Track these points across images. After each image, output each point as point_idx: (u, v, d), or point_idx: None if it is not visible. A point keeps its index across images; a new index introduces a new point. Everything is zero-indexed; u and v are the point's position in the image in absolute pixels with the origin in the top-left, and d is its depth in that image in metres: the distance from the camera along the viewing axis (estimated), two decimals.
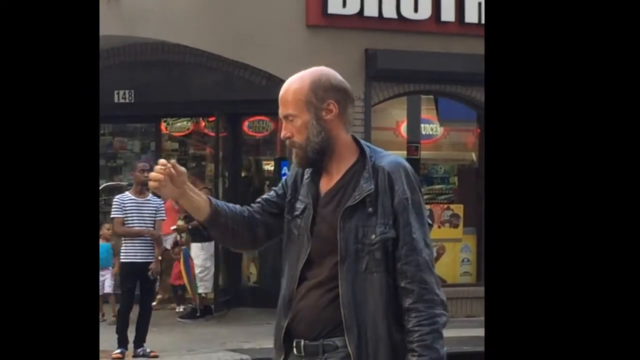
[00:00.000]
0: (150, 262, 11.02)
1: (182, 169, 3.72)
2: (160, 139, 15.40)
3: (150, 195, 11.15)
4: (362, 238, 3.65)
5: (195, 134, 15.70)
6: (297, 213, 3.82)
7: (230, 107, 14.20)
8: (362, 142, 3.83)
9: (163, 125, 15.40)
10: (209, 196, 3.88)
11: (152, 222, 11.15)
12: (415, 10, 13.63)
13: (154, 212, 11.16)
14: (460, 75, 13.42)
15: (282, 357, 3.81)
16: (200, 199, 3.79)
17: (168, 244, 13.73)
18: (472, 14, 13.51)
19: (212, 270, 13.89)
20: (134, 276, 11.00)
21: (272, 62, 13.05)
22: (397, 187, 3.66)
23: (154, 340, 11.94)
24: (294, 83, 3.75)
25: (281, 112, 3.77)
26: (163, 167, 3.66)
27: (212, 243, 13.62)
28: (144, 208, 11.12)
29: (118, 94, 14.72)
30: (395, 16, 13.57)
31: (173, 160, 3.71)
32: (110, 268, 13.31)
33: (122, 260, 11.22)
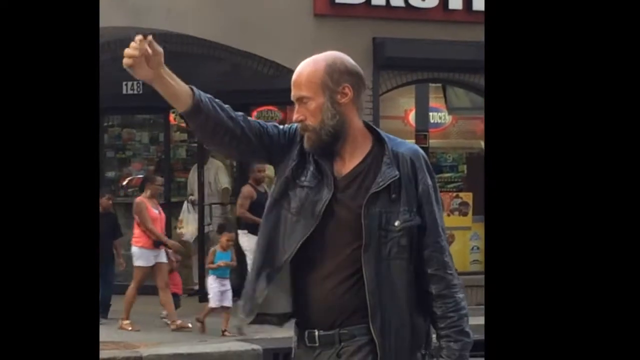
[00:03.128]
0: None
1: (159, 48, 3.48)
2: (169, 130, 15.39)
3: None
4: (385, 224, 3.62)
5: None
6: (306, 183, 3.69)
7: (238, 97, 14.19)
8: (376, 128, 3.80)
9: (172, 116, 15.39)
10: (192, 86, 3.63)
11: None
12: None
13: None
14: (468, 62, 13.38)
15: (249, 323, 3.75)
16: (179, 87, 3.58)
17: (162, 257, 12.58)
18: (480, 2, 13.45)
19: None
20: None
21: (279, 52, 13.03)
22: (421, 175, 3.67)
23: (164, 331, 11.97)
24: (308, 66, 3.70)
25: (294, 94, 3.69)
26: (139, 42, 3.42)
27: None
28: None
29: (126, 85, 14.73)
30: (402, 4, 13.54)
31: (150, 37, 3.47)
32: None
33: None
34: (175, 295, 12.57)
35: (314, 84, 3.65)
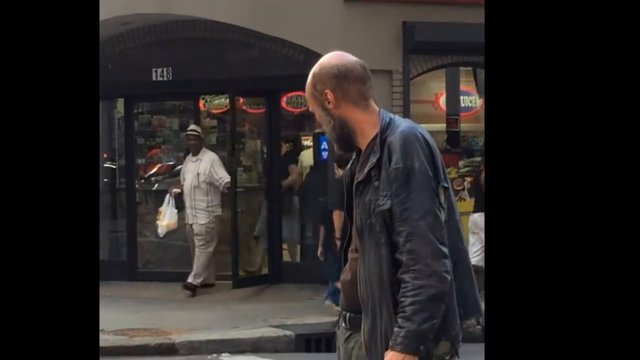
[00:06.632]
0: None
1: None
2: (199, 116, 15.38)
3: None
4: (373, 212, 3.66)
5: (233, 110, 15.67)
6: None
7: (267, 83, 14.18)
8: (384, 115, 3.80)
9: (201, 102, 15.40)
10: None
11: None
12: None
13: None
14: None
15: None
16: None
17: None
18: None
19: None
20: None
21: (309, 37, 13.00)
22: (394, 158, 3.63)
23: (196, 318, 12.00)
24: (308, 79, 3.85)
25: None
26: None
27: None
28: None
29: (156, 71, 14.73)
30: None
31: None
32: None
33: None
34: None
35: (309, 97, 3.86)
